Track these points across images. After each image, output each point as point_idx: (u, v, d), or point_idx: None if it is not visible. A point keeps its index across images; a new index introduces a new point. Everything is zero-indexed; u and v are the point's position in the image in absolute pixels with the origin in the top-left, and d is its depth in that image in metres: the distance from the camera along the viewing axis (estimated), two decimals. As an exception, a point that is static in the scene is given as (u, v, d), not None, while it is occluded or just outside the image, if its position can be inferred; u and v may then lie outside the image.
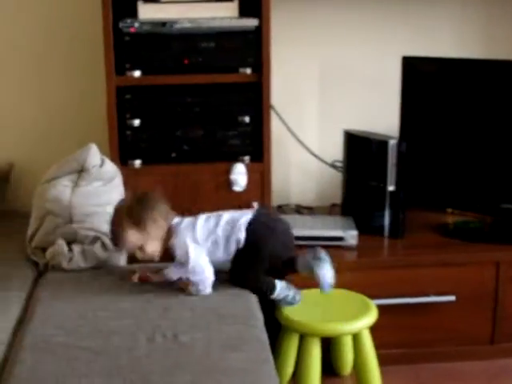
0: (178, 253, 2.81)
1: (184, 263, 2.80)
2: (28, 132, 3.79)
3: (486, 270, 3.34)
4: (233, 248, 2.84)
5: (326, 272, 2.87)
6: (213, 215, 2.89)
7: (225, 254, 2.84)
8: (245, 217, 2.87)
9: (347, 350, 3.23)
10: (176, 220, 2.86)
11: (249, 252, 2.84)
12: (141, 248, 2.79)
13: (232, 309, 2.69)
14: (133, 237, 2.78)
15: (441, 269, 3.32)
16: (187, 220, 2.87)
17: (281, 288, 2.91)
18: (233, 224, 2.84)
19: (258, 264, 2.86)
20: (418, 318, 3.36)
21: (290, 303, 2.96)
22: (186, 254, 2.78)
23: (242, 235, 2.83)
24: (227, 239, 2.83)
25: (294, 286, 2.96)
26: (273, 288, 2.90)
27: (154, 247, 2.81)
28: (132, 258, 2.98)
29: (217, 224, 2.84)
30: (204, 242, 2.82)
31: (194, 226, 2.83)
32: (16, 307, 2.79)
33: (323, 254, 2.91)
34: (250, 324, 2.59)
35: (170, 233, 2.83)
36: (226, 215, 2.88)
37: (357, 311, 3.00)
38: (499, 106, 3.47)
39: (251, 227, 2.84)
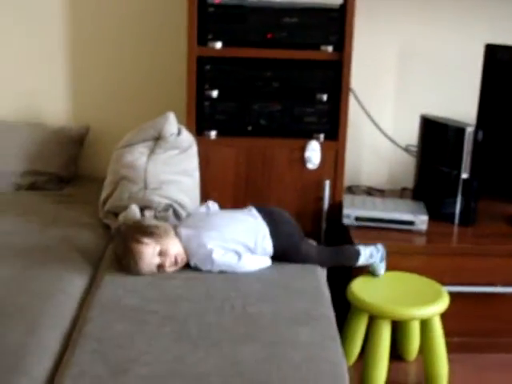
0: (206, 266, 2.77)
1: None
2: (106, 97, 3.84)
3: (555, 264, 3.30)
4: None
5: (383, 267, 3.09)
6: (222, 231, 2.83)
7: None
8: (261, 230, 2.85)
9: (414, 335, 3.23)
10: (183, 231, 2.82)
11: (291, 251, 2.89)
12: (164, 253, 2.71)
13: (300, 284, 2.71)
14: (151, 246, 2.71)
15: (509, 260, 3.27)
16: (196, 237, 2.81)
17: (365, 254, 3.03)
18: (255, 240, 2.84)
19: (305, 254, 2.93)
20: (483, 307, 3.32)
21: (381, 258, 3.07)
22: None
23: (270, 246, 2.85)
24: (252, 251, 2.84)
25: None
26: (355, 258, 3.01)
27: (176, 248, 2.75)
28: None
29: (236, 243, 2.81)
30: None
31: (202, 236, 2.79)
32: (87, 269, 2.84)
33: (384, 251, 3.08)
34: (317, 300, 2.60)
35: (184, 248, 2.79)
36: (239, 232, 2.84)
37: (428, 297, 2.99)
38: None
39: (277, 237, 2.86)
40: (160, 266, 2.72)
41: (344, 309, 3.07)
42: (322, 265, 2.95)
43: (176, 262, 2.75)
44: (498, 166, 3.60)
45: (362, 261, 3.03)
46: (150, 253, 2.70)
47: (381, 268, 3.08)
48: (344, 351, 2.86)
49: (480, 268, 3.27)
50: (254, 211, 2.93)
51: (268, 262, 2.83)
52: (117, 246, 2.82)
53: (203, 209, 3.05)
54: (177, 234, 2.80)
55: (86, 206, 3.39)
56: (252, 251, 2.82)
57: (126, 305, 2.48)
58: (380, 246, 3.07)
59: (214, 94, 3.31)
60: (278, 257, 2.87)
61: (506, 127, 3.57)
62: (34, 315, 2.39)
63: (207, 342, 2.24)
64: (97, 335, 2.28)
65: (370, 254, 3.04)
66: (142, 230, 2.76)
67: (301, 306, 2.53)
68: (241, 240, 2.81)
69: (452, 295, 3.06)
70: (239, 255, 2.78)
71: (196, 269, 2.77)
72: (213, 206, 3.07)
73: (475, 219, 3.45)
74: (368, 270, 3.09)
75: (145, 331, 2.30)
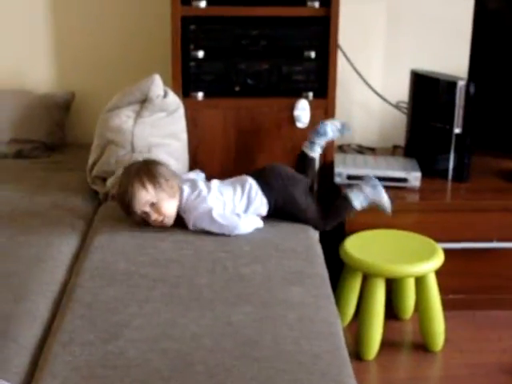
0: (205, 223, 2.72)
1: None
2: (90, 61, 3.77)
3: (551, 218, 3.26)
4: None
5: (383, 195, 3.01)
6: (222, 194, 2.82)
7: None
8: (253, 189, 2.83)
9: (410, 294, 3.20)
10: (186, 189, 2.79)
11: (289, 205, 2.86)
12: (155, 207, 2.69)
13: (292, 244, 2.68)
14: (147, 194, 2.69)
15: (505, 215, 3.24)
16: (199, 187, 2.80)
17: (358, 197, 2.98)
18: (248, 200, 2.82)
19: (304, 207, 2.88)
20: (479, 263, 3.30)
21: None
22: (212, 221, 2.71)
23: (264, 208, 2.83)
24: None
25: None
26: (349, 204, 2.97)
27: (170, 207, 2.72)
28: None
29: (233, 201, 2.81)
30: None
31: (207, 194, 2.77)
32: (76, 234, 2.81)
33: (373, 180, 3.03)
34: (310, 259, 2.58)
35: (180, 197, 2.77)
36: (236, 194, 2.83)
37: (423, 254, 2.98)
38: None
39: (269, 191, 2.84)
40: (145, 215, 2.70)
41: (338, 268, 3.04)
42: (324, 223, 2.92)
43: (162, 222, 2.73)
44: (490, 120, 3.55)
45: (358, 205, 2.99)
46: (143, 199, 2.68)
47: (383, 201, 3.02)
48: (338, 311, 2.85)
49: (475, 224, 3.25)
50: (244, 176, 2.90)
51: (260, 224, 2.79)
52: (124, 176, 2.79)
53: (193, 175, 3.01)
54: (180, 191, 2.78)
55: (74, 172, 3.35)
56: (245, 211, 2.81)
57: (116, 269, 2.44)
58: (364, 185, 3.01)
59: (200, 54, 3.24)
60: (277, 214, 2.85)
61: (498, 80, 3.51)
62: (23, 282, 2.37)
63: (199, 303, 2.22)
64: (87, 300, 2.25)
65: (362, 197, 2.99)
66: (151, 175, 2.73)
67: (293, 265, 2.50)
68: (236, 202, 2.80)
69: (446, 252, 3.04)
70: (238, 215, 2.76)
71: (185, 231, 2.73)
72: (200, 173, 3.05)
73: (469, 175, 3.41)
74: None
75: (135, 295, 2.27)
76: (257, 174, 2.90)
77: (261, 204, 2.82)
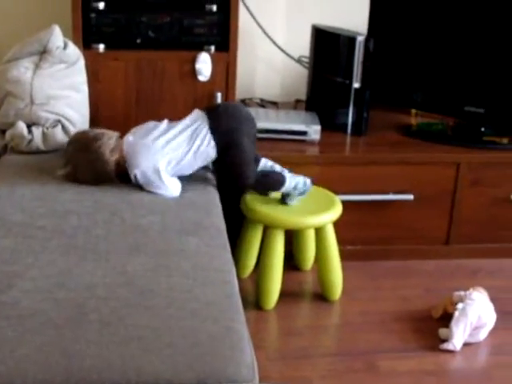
0: (142, 181, 2.74)
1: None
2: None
3: (445, 171, 3.36)
4: (203, 158, 2.83)
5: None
6: (168, 133, 2.81)
7: (191, 167, 2.83)
8: (203, 130, 2.82)
9: (310, 245, 3.27)
10: (129, 140, 2.81)
11: (232, 153, 2.84)
12: None
13: (191, 195, 2.71)
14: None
15: (401, 168, 3.33)
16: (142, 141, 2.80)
17: (290, 183, 2.99)
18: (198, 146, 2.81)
19: (248, 157, 2.87)
20: (376, 215, 3.39)
21: (302, 192, 3.02)
22: (151, 182, 2.73)
23: (212, 151, 2.82)
24: (194, 156, 2.81)
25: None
26: (283, 180, 2.97)
27: None
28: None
29: (178, 146, 2.79)
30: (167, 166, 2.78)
31: (150, 148, 2.77)
32: (-27, 186, 2.77)
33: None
34: (207, 212, 2.61)
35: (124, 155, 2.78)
36: (182, 134, 2.81)
37: (322, 205, 3.03)
38: (469, 7, 3.44)
39: (217, 132, 2.82)
40: None
41: (240, 221, 3.09)
42: (254, 183, 2.95)
43: None
44: (390, 76, 3.62)
45: (283, 189, 3.00)
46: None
47: (294, 200, 3.03)
48: (240, 262, 2.91)
49: (372, 177, 3.33)
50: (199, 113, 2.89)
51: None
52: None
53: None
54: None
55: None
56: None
57: (13, 221, 2.43)
58: (309, 182, 3.04)
59: (101, 5, 3.20)
60: (221, 156, 2.85)
61: (396, 36, 3.58)
62: None
63: (95, 254, 2.23)
64: (-19, 252, 2.23)
65: (295, 184, 3.00)
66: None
67: (191, 216, 2.53)
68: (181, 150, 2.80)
69: (345, 204, 3.10)
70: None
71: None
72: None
73: (367, 129, 3.48)
74: (282, 194, 3.05)
75: (31, 246, 2.26)
76: (210, 112, 2.88)
77: (209, 146, 2.81)
